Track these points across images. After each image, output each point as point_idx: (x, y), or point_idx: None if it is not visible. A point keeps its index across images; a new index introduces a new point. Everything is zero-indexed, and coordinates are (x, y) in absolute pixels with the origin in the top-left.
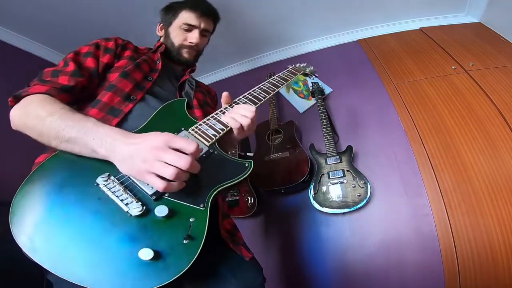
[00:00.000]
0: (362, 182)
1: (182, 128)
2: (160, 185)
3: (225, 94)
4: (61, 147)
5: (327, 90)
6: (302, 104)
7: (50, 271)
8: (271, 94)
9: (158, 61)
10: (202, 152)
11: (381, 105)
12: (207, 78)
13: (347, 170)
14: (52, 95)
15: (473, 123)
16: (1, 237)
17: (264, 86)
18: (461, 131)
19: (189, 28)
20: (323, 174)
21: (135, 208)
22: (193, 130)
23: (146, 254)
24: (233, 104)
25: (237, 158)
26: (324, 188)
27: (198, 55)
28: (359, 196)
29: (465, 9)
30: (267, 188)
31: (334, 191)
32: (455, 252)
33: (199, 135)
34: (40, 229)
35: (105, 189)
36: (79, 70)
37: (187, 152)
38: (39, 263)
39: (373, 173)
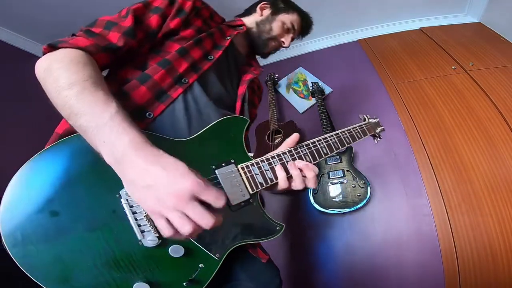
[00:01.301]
0: (362, 182)
1: (232, 160)
2: (166, 233)
3: (295, 137)
4: (76, 128)
5: (327, 90)
6: (302, 104)
7: (24, 271)
8: (334, 152)
9: (228, 37)
10: (242, 200)
11: (381, 105)
12: None
13: (347, 170)
14: (91, 53)
15: (473, 123)
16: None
17: (331, 140)
18: (461, 131)
19: (289, 30)
20: (323, 174)
21: (150, 240)
22: (242, 168)
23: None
24: (294, 153)
25: (270, 218)
26: (324, 188)
27: (272, 54)
28: (359, 196)
29: (465, 9)
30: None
31: (334, 191)
32: (455, 252)
33: (247, 178)
34: (31, 222)
35: (125, 205)
36: (134, 29)
37: (213, 206)
38: (13, 259)
39: (373, 173)
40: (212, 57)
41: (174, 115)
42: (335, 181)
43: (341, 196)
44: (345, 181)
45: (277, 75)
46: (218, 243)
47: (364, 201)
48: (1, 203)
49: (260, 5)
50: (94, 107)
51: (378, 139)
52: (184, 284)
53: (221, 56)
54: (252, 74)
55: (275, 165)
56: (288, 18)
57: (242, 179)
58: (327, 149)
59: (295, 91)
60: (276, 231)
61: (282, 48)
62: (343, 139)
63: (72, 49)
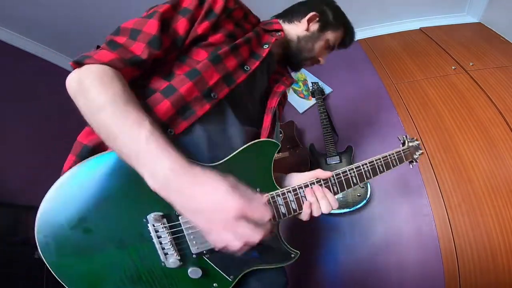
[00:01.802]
0: (362, 182)
1: (258, 189)
2: (218, 246)
3: (323, 173)
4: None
5: (327, 90)
6: (302, 104)
7: (56, 276)
8: (364, 182)
9: (266, 46)
10: None
11: (381, 105)
12: None
13: None
14: (117, 68)
15: (473, 123)
16: (2, 238)
17: (363, 169)
18: (461, 131)
19: (330, 48)
20: None
21: (172, 262)
22: (267, 199)
23: None
24: (322, 183)
25: (287, 245)
26: None
27: None
28: (359, 196)
29: (465, 9)
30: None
31: None
32: (455, 252)
33: (271, 208)
34: (66, 237)
35: (152, 230)
36: (160, 37)
37: (260, 223)
38: (46, 264)
39: None
40: (249, 68)
41: (196, 135)
42: None
43: (341, 196)
44: None
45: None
46: (234, 267)
47: (364, 201)
48: (38, 215)
49: (309, 15)
50: (128, 131)
51: (414, 163)
52: None
53: (258, 67)
54: (285, 85)
55: (301, 195)
56: (333, 36)
57: None
58: (358, 179)
59: (295, 91)
60: (291, 258)
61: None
62: (376, 167)
63: (97, 65)
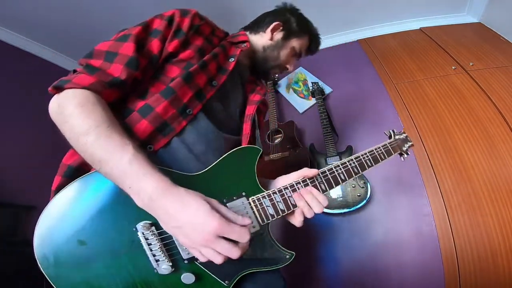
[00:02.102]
0: (362, 182)
1: (243, 193)
2: (203, 260)
3: (308, 172)
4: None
5: (327, 90)
6: (302, 104)
7: (53, 284)
8: (352, 177)
9: (232, 59)
10: (252, 232)
11: (381, 105)
12: None
13: None
14: (97, 91)
15: (473, 123)
16: (2, 238)
17: (350, 165)
18: (461, 131)
19: (297, 55)
20: None
21: (164, 268)
22: (253, 201)
23: None
24: (308, 182)
25: (281, 247)
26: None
27: None
28: (359, 196)
29: (465, 9)
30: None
31: (334, 191)
32: (455, 252)
33: (257, 210)
34: (62, 251)
35: (142, 238)
36: (137, 58)
37: (239, 243)
38: (46, 276)
39: (373, 173)
40: (216, 83)
41: (176, 149)
42: None
43: (341, 196)
44: None
45: (277, 75)
46: (229, 271)
47: (364, 201)
48: (35, 232)
49: (272, 25)
50: (112, 154)
51: (405, 155)
52: None
53: (225, 81)
54: (260, 95)
55: (288, 196)
56: (299, 44)
57: (254, 212)
58: (345, 175)
59: (295, 91)
60: (286, 259)
61: None
62: (363, 162)
63: (77, 89)
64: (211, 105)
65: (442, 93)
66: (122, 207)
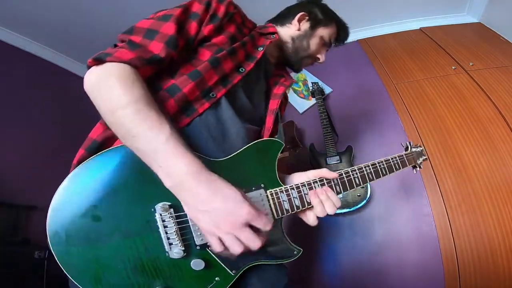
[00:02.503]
0: (364, 183)
1: (262, 185)
2: (218, 249)
3: (328, 173)
4: (128, 145)
5: (327, 90)
6: (302, 104)
7: (60, 263)
8: (367, 183)
9: (260, 48)
10: None
11: (381, 105)
12: None
13: None
14: (136, 67)
15: (473, 123)
16: (2, 238)
17: (366, 171)
18: (461, 131)
19: (327, 44)
20: None
21: (176, 252)
22: (271, 194)
23: None
24: (325, 182)
25: (290, 242)
26: None
27: None
28: (359, 196)
29: (465, 9)
30: None
31: None
32: (455, 252)
33: (274, 204)
34: (75, 224)
35: (159, 219)
36: (177, 38)
37: (261, 230)
38: (53, 253)
39: None
40: (244, 69)
41: (197, 130)
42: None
43: (341, 196)
44: None
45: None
46: (237, 261)
47: (364, 201)
48: (50, 206)
49: (298, 16)
50: (149, 130)
51: (418, 169)
52: None
53: (253, 68)
54: (284, 87)
55: (304, 192)
56: (327, 32)
57: (270, 204)
58: (360, 180)
59: (295, 91)
60: (293, 255)
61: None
62: (379, 170)
63: (118, 63)
64: (235, 93)
65: (442, 93)
66: (142, 186)
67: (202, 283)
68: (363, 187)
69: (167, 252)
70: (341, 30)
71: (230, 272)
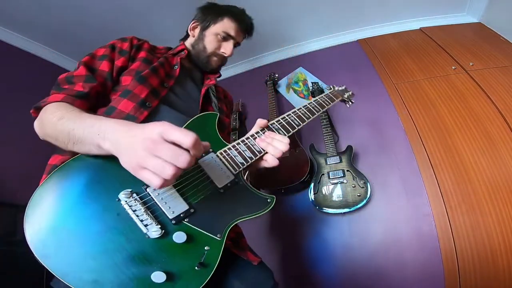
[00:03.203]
0: (362, 182)
1: (211, 150)
2: (156, 182)
3: (262, 121)
4: (75, 149)
5: (327, 90)
6: (302, 104)
7: (60, 278)
8: (305, 122)
9: (176, 67)
10: (228, 181)
11: (381, 105)
12: None
13: (347, 170)
14: (69, 103)
15: (473, 123)
16: (1, 238)
17: (300, 112)
18: (461, 131)
19: (227, 37)
20: (323, 174)
21: (154, 231)
22: (221, 154)
23: (159, 277)
24: (265, 130)
25: (260, 192)
26: (324, 188)
27: (223, 65)
28: (359, 196)
29: (465, 9)
30: (267, 188)
31: (334, 191)
32: (455, 252)
33: (227, 160)
34: (54, 235)
35: (126, 206)
36: (92, 75)
37: (184, 147)
38: (48, 269)
39: (373, 173)
40: (167, 84)
41: None
42: (335, 181)
43: (341, 196)
44: (345, 181)
45: (277, 75)
46: (217, 224)
47: (364, 201)
48: (24, 224)
49: (190, 26)
50: (85, 118)
51: (350, 103)
52: (196, 268)
53: (175, 84)
54: (207, 86)
55: (251, 143)
56: (219, 28)
57: (223, 162)
58: (299, 120)
59: (295, 91)
60: (268, 203)
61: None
62: (311, 108)
63: (52, 103)
64: (168, 100)
65: (442, 93)
66: (101, 184)
67: (194, 257)
68: (362, 187)
69: (146, 234)
70: (236, 17)
71: (216, 238)
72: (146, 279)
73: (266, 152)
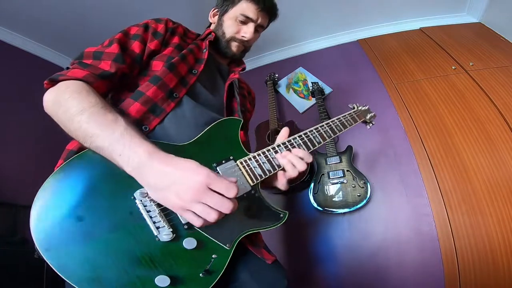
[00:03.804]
0: (362, 182)
1: (231, 157)
2: (197, 223)
3: (285, 131)
4: (90, 147)
5: (327, 90)
6: (302, 104)
7: (58, 272)
8: (326, 140)
9: (205, 50)
10: (244, 192)
11: (381, 105)
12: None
13: (347, 170)
14: (90, 82)
15: (473, 123)
16: (1, 238)
17: (322, 129)
18: (461, 131)
19: (246, 20)
20: (323, 174)
21: (165, 235)
22: (241, 163)
23: (163, 281)
24: (288, 145)
25: (274, 206)
26: (324, 188)
27: (246, 50)
28: (359, 196)
29: (465, 9)
30: (267, 189)
31: (334, 191)
32: (455, 252)
33: (246, 171)
34: (60, 226)
35: (140, 206)
36: (122, 55)
37: (227, 197)
38: (46, 261)
39: (373, 173)
40: (196, 71)
41: (169, 126)
42: (335, 181)
43: (341, 196)
44: (345, 181)
45: (277, 75)
46: (227, 234)
47: (364, 201)
48: (31, 213)
49: (210, 13)
50: (105, 127)
51: (371, 125)
52: (200, 275)
53: (204, 69)
54: (231, 80)
55: (272, 156)
56: (236, 11)
57: (242, 172)
58: (320, 138)
59: (295, 91)
60: (280, 218)
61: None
62: (334, 127)
63: (71, 80)
64: (195, 90)
65: (442, 93)
66: (117, 180)
67: (201, 264)
68: (362, 187)
69: (157, 236)
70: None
71: (225, 247)
72: (150, 282)
73: (283, 168)
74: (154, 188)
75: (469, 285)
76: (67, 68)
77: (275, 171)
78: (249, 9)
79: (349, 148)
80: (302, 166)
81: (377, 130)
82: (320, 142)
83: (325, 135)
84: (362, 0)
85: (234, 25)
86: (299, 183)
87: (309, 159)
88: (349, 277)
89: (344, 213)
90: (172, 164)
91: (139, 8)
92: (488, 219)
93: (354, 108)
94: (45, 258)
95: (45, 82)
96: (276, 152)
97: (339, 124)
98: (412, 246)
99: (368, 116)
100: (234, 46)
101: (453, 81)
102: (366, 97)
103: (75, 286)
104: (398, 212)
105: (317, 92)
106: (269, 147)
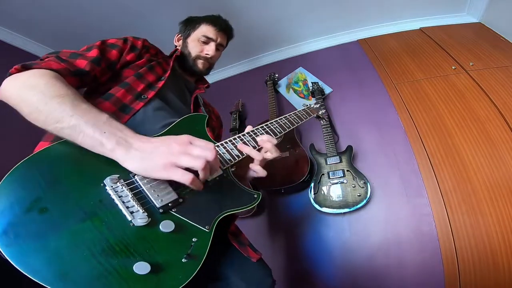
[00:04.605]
0: (362, 182)
1: None
2: (187, 179)
3: (250, 127)
4: (61, 133)
5: (327, 90)
6: (301, 104)
7: (22, 271)
8: (286, 131)
9: (170, 63)
10: (216, 175)
11: (381, 105)
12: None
13: (347, 170)
14: (63, 75)
15: (473, 123)
16: None
17: (281, 121)
18: (461, 131)
19: (207, 40)
20: (323, 174)
21: (140, 219)
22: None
23: (142, 268)
24: (252, 134)
25: (247, 188)
26: (324, 188)
27: (211, 67)
28: (359, 196)
29: (465, 9)
30: (267, 188)
31: (334, 191)
32: (455, 252)
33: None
34: (21, 222)
35: (111, 191)
36: (100, 59)
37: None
38: (8, 259)
39: (373, 173)
40: (164, 77)
41: (137, 123)
42: (335, 181)
43: (341, 196)
44: (345, 181)
45: (277, 75)
46: (205, 216)
47: (364, 201)
48: None
49: (175, 38)
50: (92, 111)
51: (323, 120)
52: (183, 260)
53: (170, 76)
54: (196, 94)
55: (238, 144)
56: (198, 34)
57: None
58: (280, 129)
59: (295, 91)
60: (255, 198)
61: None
62: (291, 119)
63: (46, 69)
64: (164, 93)
65: (442, 93)
66: (84, 170)
67: (181, 248)
68: (362, 187)
69: (131, 221)
70: (211, 21)
71: (204, 229)
72: (127, 270)
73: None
74: (140, 156)
75: (469, 285)
76: (40, 59)
77: (243, 156)
78: (209, 31)
79: (349, 148)
80: (268, 145)
81: (377, 130)
82: (281, 132)
83: (284, 126)
84: (362, 0)
85: (198, 46)
86: (299, 183)
87: (273, 141)
88: (349, 276)
89: (344, 213)
90: (156, 139)
91: (139, 9)
92: (488, 219)
93: (308, 106)
94: (4, 254)
95: (16, 67)
96: (241, 140)
97: (295, 118)
98: (412, 246)
99: (320, 112)
100: (200, 63)
101: (453, 81)
102: (366, 97)
103: (43, 285)
104: (398, 212)
105: (317, 92)
106: (236, 136)
